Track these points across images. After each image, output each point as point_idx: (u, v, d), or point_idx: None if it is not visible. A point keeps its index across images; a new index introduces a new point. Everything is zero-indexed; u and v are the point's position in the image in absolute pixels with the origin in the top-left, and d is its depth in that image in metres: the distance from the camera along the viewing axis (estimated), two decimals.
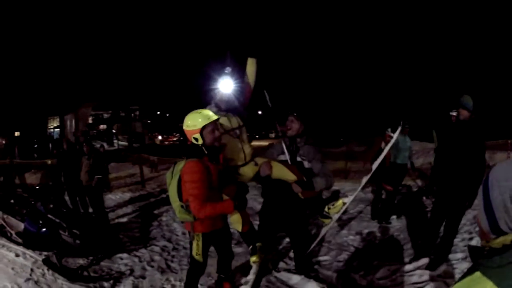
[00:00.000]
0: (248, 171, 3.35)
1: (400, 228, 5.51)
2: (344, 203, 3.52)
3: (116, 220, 6.85)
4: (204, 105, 3.35)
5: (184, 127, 2.85)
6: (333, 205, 3.54)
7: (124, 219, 6.96)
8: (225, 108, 3.33)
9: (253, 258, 3.23)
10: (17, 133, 26.93)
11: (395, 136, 3.88)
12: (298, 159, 3.50)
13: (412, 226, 5.43)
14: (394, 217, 5.98)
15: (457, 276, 3.54)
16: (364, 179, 3.72)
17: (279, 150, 3.60)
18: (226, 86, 3.41)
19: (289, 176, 3.31)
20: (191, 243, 3.07)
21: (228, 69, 3.51)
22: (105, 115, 24.17)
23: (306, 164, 3.49)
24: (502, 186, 0.95)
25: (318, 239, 3.89)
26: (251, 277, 3.27)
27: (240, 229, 3.13)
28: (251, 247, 3.24)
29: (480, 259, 0.97)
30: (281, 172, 3.31)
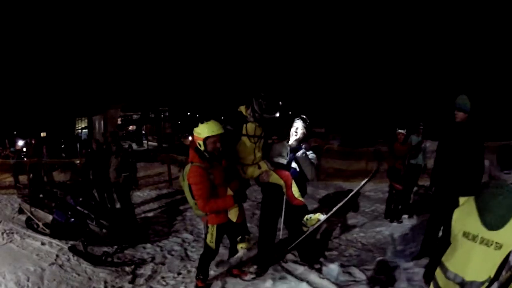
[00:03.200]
0: (252, 171, 3.81)
1: (410, 227, 5.64)
2: (318, 220, 3.84)
3: (143, 215, 7.35)
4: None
5: (194, 133, 3.36)
6: (310, 217, 3.85)
7: (150, 214, 7.46)
8: (258, 118, 3.70)
9: (241, 245, 3.62)
10: (43, 134, 28.39)
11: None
12: (294, 165, 3.89)
13: (423, 226, 5.54)
14: (406, 216, 6.10)
15: None
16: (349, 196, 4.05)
17: (279, 151, 3.91)
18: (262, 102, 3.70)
19: (279, 181, 3.76)
20: (206, 232, 3.61)
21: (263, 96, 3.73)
22: (135, 116, 24.99)
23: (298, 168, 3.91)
24: None
25: (298, 240, 4.12)
26: (238, 256, 3.73)
27: (234, 220, 3.52)
28: (240, 237, 3.62)
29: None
30: (274, 178, 3.77)
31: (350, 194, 3.99)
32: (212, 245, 3.56)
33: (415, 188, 6.87)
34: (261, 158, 3.85)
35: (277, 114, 3.71)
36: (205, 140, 3.28)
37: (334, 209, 3.96)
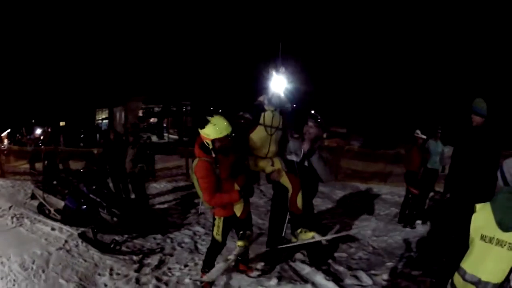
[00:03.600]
0: (263, 165, 3.82)
1: (422, 234, 5.52)
2: (313, 237, 3.74)
3: (157, 206, 7.45)
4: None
5: (201, 132, 3.35)
6: (305, 231, 3.76)
7: (165, 206, 7.54)
8: (275, 104, 3.74)
9: (240, 243, 3.60)
10: (62, 123, 29.17)
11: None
12: (306, 163, 3.84)
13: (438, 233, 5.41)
14: (419, 222, 5.96)
15: None
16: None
17: (293, 148, 3.89)
18: (278, 85, 3.80)
19: (288, 185, 3.75)
20: (213, 225, 3.64)
21: (282, 69, 3.84)
22: (156, 109, 25.34)
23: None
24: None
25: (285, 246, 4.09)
26: (231, 256, 3.63)
27: (238, 215, 3.54)
28: (241, 232, 3.61)
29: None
30: (284, 180, 3.76)
31: (340, 234, 3.89)
32: (219, 237, 3.59)
33: (431, 194, 6.70)
34: (276, 154, 3.84)
35: (288, 105, 3.74)
36: (214, 141, 3.31)
37: (330, 237, 3.85)
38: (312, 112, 4.04)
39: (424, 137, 6.02)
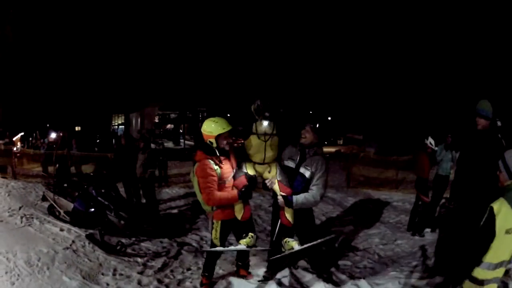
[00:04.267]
0: (261, 170, 3.81)
1: (430, 242, 5.39)
2: (292, 248, 3.63)
3: (167, 211, 7.58)
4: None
5: (202, 131, 3.49)
6: (288, 242, 3.68)
7: (175, 211, 7.66)
8: (258, 114, 3.74)
9: (242, 241, 3.61)
10: (77, 128, 29.81)
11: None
12: (302, 169, 3.74)
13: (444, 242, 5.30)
14: (428, 230, 5.85)
15: None
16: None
17: (289, 154, 3.87)
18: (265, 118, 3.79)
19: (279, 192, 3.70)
20: (211, 228, 3.71)
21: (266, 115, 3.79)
22: (172, 115, 25.56)
23: (307, 175, 3.72)
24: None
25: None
26: (234, 247, 3.70)
27: (239, 218, 3.59)
28: (244, 234, 3.63)
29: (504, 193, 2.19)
30: (276, 188, 3.71)
31: (318, 241, 3.76)
32: (217, 241, 3.62)
33: (442, 201, 6.57)
34: (274, 159, 3.82)
35: (266, 121, 3.70)
36: (217, 137, 3.42)
37: (307, 245, 3.68)
38: (311, 125, 3.88)
39: (435, 148, 5.96)
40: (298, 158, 3.81)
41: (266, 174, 3.79)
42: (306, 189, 3.69)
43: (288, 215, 3.68)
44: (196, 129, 26.64)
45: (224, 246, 3.73)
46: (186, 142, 24.10)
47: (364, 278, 4.11)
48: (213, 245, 3.69)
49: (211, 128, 3.44)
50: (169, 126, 25.74)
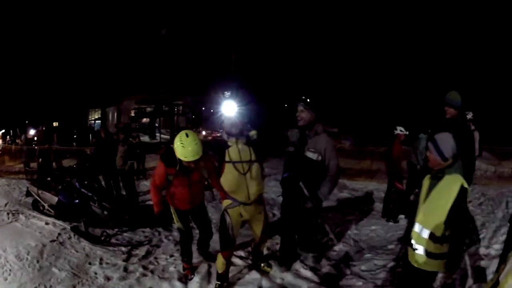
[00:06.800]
0: (249, 212, 3.32)
1: (404, 228, 5.68)
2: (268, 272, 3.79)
3: (147, 203, 7.58)
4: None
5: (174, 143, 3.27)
6: (263, 267, 3.84)
7: None
8: (235, 134, 3.28)
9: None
10: (55, 124, 29.11)
11: None
12: (308, 153, 3.40)
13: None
14: (402, 216, 6.13)
15: (442, 280, 3.62)
16: None
17: (291, 139, 3.57)
18: (229, 109, 3.62)
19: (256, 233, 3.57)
20: None
21: (227, 93, 3.76)
22: (148, 109, 25.38)
23: (315, 157, 3.38)
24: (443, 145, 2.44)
25: None
26: None
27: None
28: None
29: (446, 170, 2.45)
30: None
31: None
32: (179, 225, 3.77)
33: (417, 190, 6.88)
34: (260, 195, 3.37)
35: (251, 132, 3.37)
36: (178, 158, 3.26)
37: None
38: (302, 97, 3.48)
39: (407, 132, 6.17)
40: (297, 142, 3.48)
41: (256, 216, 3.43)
42: (319, 172, 3.40)
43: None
44: (172, 123, 26.56)
45: (187, 229, 3.79)
46: (162, 136, 23.98)
47: (340, 260, 4.32)
48: (179, 230, 3.84)
49: (177, 146, 3.17)
50: (144, 120, 25.51)
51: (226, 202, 3.35)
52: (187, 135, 3.14)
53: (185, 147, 3.11)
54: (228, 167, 3.20)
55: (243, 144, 3.25)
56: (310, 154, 3.36)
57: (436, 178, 2.50)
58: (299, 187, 3.47)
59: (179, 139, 3.15)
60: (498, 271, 2.14)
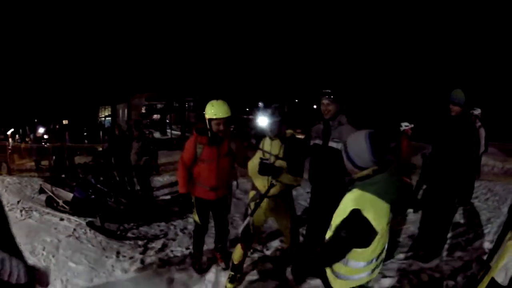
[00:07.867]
0: (271, 206, 3.38)
1: (413, 221, 5.77)
2: None
3: (161, 198, 7.79)
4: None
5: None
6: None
7: (168, 197, 7.85)
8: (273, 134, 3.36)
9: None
10: (65, 121, 29.50)
11: None
12: (331, 143, 3.34)
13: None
14: (410, 210, 6.22)
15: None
16: None
17: (318, 132, 3.53)
18: (261, 121, 3.62)
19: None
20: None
21: (261, 104, 3.81)
22: (159, 105, 25.51)
23: (339, 147, 3.18)
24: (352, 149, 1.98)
25: None
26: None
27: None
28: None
29: (356, 183, 1.96)
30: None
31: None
32: (196, 217, 3.77)
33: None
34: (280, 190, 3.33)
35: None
36: (209, 120, 3.45)
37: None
38: (326, 90, 3.37)
39: (412, 125, 6.24)
40: (322, 134, 3.42)
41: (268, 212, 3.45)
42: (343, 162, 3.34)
43: None
44: (182, 119, 26.74)
45: (204, 224, 3.81)
46: (173, 132, 24.14)
47: None
48: (195, 222, 3.84)
49: (207, 109, 3.46)
50: (155, 116, 25.67)
51: (251, 194, 3.49)
52: (217, 99, 3.47)
53: (215, 106, 3.41)
54: (258, 154, 3.40)
55: (277, 140, 3.35)
56: (334, 144, 3.32)
57: (350, 187, 2.03)
58: (329, 181, 3.32)
59: (210, 103, 3.46)
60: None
